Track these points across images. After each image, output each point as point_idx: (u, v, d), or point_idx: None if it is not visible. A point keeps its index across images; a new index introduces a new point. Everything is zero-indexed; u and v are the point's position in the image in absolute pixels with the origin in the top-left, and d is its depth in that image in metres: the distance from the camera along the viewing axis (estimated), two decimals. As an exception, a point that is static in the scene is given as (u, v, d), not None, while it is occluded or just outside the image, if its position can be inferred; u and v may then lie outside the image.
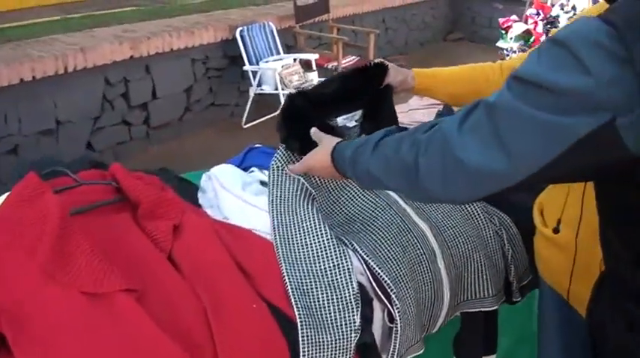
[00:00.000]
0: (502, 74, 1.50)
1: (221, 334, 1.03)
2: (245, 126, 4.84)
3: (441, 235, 1.41)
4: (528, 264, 1.58)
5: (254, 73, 4.67)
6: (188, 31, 4.37)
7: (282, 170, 1.42)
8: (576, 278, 1.24)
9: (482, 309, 1.46)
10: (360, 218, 1.38)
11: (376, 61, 1.53)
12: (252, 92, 4.71)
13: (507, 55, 3.87)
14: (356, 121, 1.53)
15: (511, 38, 3.76)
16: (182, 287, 1.10)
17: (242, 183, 1.46)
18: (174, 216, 1.27)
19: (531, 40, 3.73)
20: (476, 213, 1.49)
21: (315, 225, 1.29)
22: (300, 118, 1.40)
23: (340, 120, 1.50)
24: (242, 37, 4.66)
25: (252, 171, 1.63)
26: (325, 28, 5.75)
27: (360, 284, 1.23)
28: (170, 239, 1.21)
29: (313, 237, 1.27)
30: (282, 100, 4.58)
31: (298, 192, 1.38)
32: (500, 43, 3.88)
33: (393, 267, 1.28)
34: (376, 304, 1.26)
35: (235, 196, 1.40)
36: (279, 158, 1.43)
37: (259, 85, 4.70)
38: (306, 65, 4.94)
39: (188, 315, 1.05)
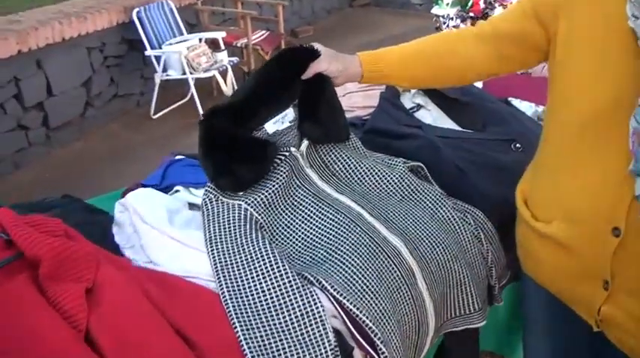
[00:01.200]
0: (485, 41, 1.19)
1: None
2: (154, 116, 4.43)
3: (417, 250, 1.17)
4: (504, 259, 1.39)
5: (157, 58, 4.24)
6: (80, 17, 3.88)
7: (215, 201, 1.14)
8: (581, 279, 1.05)
9: (470, 327, 1.25)
10: (322, 243, 1.12)
11: (305, 45, 1.25)
12: (157, 79, 4.29)
13: (445, 23, 3.63)
14: (290, 122, 1.26)
15: (447, 4, 3.53)
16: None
17: (167, 213, 1.15)
18: (86, 276, 0.96)
19: (470, 4, 3.52)
20: (449, 217, 1.26)
21: (268, 263, 1.02)
22: (223, 144, 1.12)
23: (269, 127, 1.23)
24: (140, 18, 4.21)
25: (177, 192, 1.32)
26: (228, 2, 5.35)
27: (335, 332, 0.98)
28: (84, 309, 0.90)
29: (269, 278, 1.00)
30: (192, 84, 4.23)
31: (241, 222, 1.10)
32: (435, 10, 3.63)
33: (372, 302, 1.03)
34: (357, 353, 1.01)
35: (161, 233, 1.09)
36: (210, 196, 1.15)
37: (164, 70, 4.28)
38: (213, 44, 4.56)
39: None
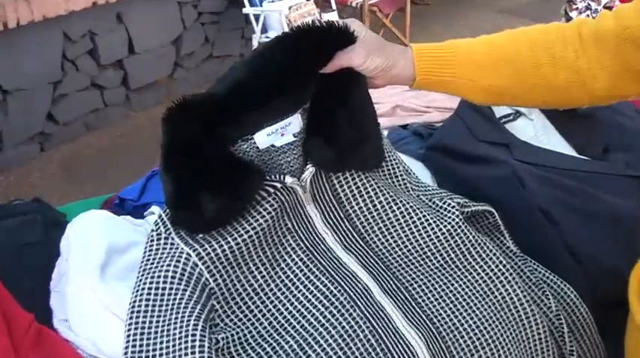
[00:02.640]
0: (605, 45, 0.85)
1: None
2: (252, 81, 4.26)
3: (448, 353, 0.83)
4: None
5: (256, 17, 4.04)
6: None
7: (164, 240, 0.87)
8: None
9: None
10: (298, 328, 0.82)
11: (340, 22, 0.92)
12: (255, 41, 4.09)
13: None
14: (294, 136, 0.94)
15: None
16: None
17: (107, 252, 0.90)
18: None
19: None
20: (513, 298, 0.91)
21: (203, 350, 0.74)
22: (190, 157, 0.84)
23: (261, 139, 0.91)
24: (242, -30, 4.03)
25: (152, 214, 1.08)
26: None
27: None
28: None
29: None
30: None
31: (181, 283, 0.81)
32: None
33: None
34: None
35: (83, 283, 0.85)
36: (160, 229, 0.88)
37: (264, 31, 4.08)
38: (323, 3, 4.28)
39: None
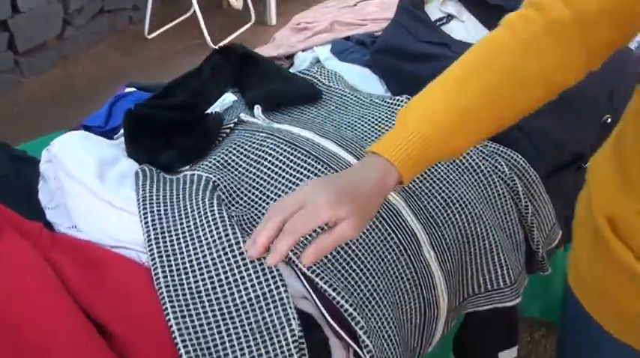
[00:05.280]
0: (566, 37, 0.82)
1: None
2: (150, 36, 4.33)
3: (424, 209, 1.06)
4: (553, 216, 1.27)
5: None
6: None
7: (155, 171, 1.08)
8: None
9: (498, 306, 1.15)
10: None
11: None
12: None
13: None
14: (232, 102, 1.27)
15: None
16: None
17: (98, 165, 1.06)
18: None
19: None
20: (472, 164, 1.14)
21: (215, 230, 0.93)
22: (153, 129, 1.17)
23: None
24: None
25: (119, 137, 1.24)
26: None
27: (303, 316, 0.89)
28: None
29: (215, 251, 0.91)
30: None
31: (186, 184, 1.02)
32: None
33: (356, 278, 0.93)
34: (334, 342, 0.93)
35: (87, 190, 1.01)
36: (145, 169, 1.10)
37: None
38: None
39: None
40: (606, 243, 0.86)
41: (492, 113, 0.87)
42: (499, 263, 1.12)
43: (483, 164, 1.16)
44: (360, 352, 0.90)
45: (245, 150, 1.09)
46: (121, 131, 1.25)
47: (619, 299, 0.89)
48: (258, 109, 1.20)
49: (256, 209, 1.02)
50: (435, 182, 1.09)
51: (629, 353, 0.90)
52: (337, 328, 0.90)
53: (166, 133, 1.14)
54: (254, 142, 1.10)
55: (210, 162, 1.08)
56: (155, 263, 0.90)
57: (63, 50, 4.05)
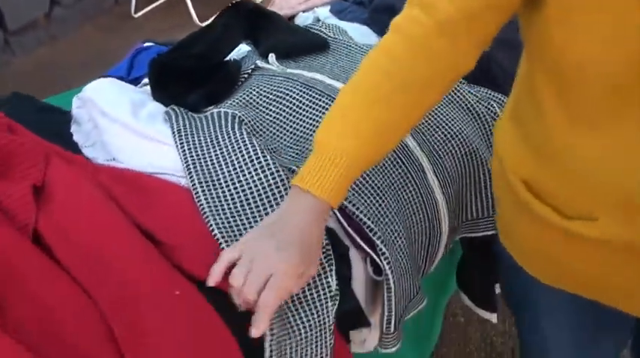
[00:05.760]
0: (457, 35, 0.86)
1: (135, 350, 0.79)
2: (136, 15, 4.40)
3: (428, 142, 1.18)
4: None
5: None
6: None
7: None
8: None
9: (487, 233, 1.27)
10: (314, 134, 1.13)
11: None
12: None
13: None
14: (246, 52, 1.38)
15: None
16: (61, 285, 0.85)
17: (131, 105, 1.17)
18: (33, 172, 0.99)
19: None
20: (469, 104, 1.27)
21: (247, 155, 1.04)
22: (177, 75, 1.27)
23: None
24: None
25: (146, 85, 1.34)
26: None
27: (327, 230, 1.00)
28: (32, 208, 0.94)
29: (247, 172, 1.02)
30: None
31: (214, 119, 1.14)
32: None
33: (371, 198, 1.05)
34: (354, 253, 1.04)
35: (123, 126, 1.12)
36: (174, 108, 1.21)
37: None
38: None
39: (77, 330, 0.81)
40: (526, 203, 0.92)
41: (403, 121, 0.92)
42: (490, 194, 1.24)
43: (478, 106, 1.28)
44: (378, 260, 1.01)
45: (264, 91, 1.19)
46: (144, 80, 1.35)
47: (550, 252, 0.95)
48: (272, 57, 1.31)
49: (278, 142, 1.13)
50: (436, 119, 1.21)
51: (558, 295, 1.01)
52: (358, 239, 1.01)
53: (189, 79, 1.24)
54: (271, 85, 1.21)
55: (232, 101, 1.19)
56: (195, 184, 1.01)
57: (51, 30, 4.11)
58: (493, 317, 1.45)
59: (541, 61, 0.85)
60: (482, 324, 2.17)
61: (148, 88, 1.31)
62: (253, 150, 1.04)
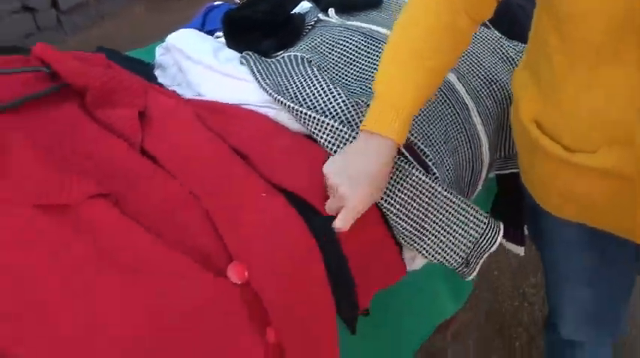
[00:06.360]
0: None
1: (231, 234, 0.96)
2: (182, -4, 4.59)
3: (470, 84, 1.34)
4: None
5: None
6: None
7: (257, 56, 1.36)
8: None
9: (514, 171, 1.42)
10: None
11: None
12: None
13: None
14: (308, 8, 1.54)
15: None
16: (168, 185, 1.02)
17: (211, 50, 1.34)
18: (136, 101, 1.17)
19: None
20: (509, 56, 1.42)
21: (320, 87, 1.20)
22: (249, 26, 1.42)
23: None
24: None
25: (218, 37, 1.51)
26: None
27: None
28: (138, 128, 1.12)
29: (322, 101, 1.18)
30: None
31: (285, 61, 1.30)
32: None
33: (424, 127, 1.21)
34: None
35: (206, 67, 1.29)
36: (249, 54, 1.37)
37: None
38: None
39: (184, 218, 0.98)
40: (537, 142, 1.08)
41: (451, 63, 1.14)
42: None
43: (516, 58, 1.43)
44: (429, 179, 1.18)
45: (326, 39, 1.36)
46: (217, 33, 1.53)
47: (560, 184, 1.10)
48: (332, 11, 1.47)
49: (340, 82, 1.29)
50: (480, 66, 1.37)
51: (570, 229, 1.19)
52: (411, 159, 1.17)
53: (259, 30, 1.40)
54: (333, 34, 1.37)
55: (299, 47, 1.35)
56: (286, 103, 1.18)
57: (102, 10, 4.31)
58: (521, 250, 1.60)
59: (546, 7, 1.00)
60: (514, 276, 2.32)
61: (222, 39, 1.49)
62: (325, 83, 1.20)
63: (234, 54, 1.37)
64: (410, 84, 1.08)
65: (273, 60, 1.32)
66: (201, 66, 1.30)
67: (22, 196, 0.92)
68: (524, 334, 2.14)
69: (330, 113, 1.17)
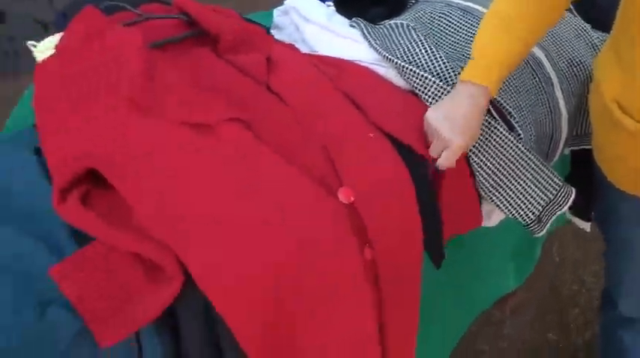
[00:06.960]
0: None
1: (343, 165, 1.13)
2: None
3: (556, 63, 1.47)
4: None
5: None
6: None
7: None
8: None
9: (586, 147, 1.55)
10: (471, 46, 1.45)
11: None
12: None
13: None
14: None
15: None
16: (291, 119, 1.20)
17: (326, 14, 1.52)
18: (263, 49, 1.35)
19: None
20: (594, 42, 1.55)
21: (423, 50, 1.36)
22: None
23: None
24: None
25: (329, 6, 1.68)
26: None
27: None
28: (265, 71, 1.30)
29: (427, 65, 1.34)
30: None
31: (392, 26, 1.46)
32: None
33: (511, 94, 1.36)
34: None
35: (322, 27, 1.46)
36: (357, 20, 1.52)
37: None
38: None
39: (304, 147, 1.15)
40: (617, 119, 1.21)
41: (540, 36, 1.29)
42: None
43: (599, 44, 1.56)
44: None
45: (428, 11, 1.51)
46: (328, 2, 1.70)
47: (632, 159, 1.24)
48: None
49: (441, 48, 1.45)
50: (566, 49, 1.51)
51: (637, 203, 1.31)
52: (499, 118, 1.32)
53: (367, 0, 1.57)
54: (435, 8, 1.53)
55: (405, 17, 1.51)
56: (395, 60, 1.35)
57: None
58: (587, 226, 1.72)
59: None
60: (575, 264, 2.44)
61: (332, 7, 1.66)
62: (429, 46, 1.36)
63: (344, 20, 1.54)
64: (503, 47, 1.22)
65: (381, 26, 1.48)
66: (317, 26, 1.48)
67: (175, 114, 1.11)
68: (580, 316, 2.25)
69: (433, 72, 1.33)
